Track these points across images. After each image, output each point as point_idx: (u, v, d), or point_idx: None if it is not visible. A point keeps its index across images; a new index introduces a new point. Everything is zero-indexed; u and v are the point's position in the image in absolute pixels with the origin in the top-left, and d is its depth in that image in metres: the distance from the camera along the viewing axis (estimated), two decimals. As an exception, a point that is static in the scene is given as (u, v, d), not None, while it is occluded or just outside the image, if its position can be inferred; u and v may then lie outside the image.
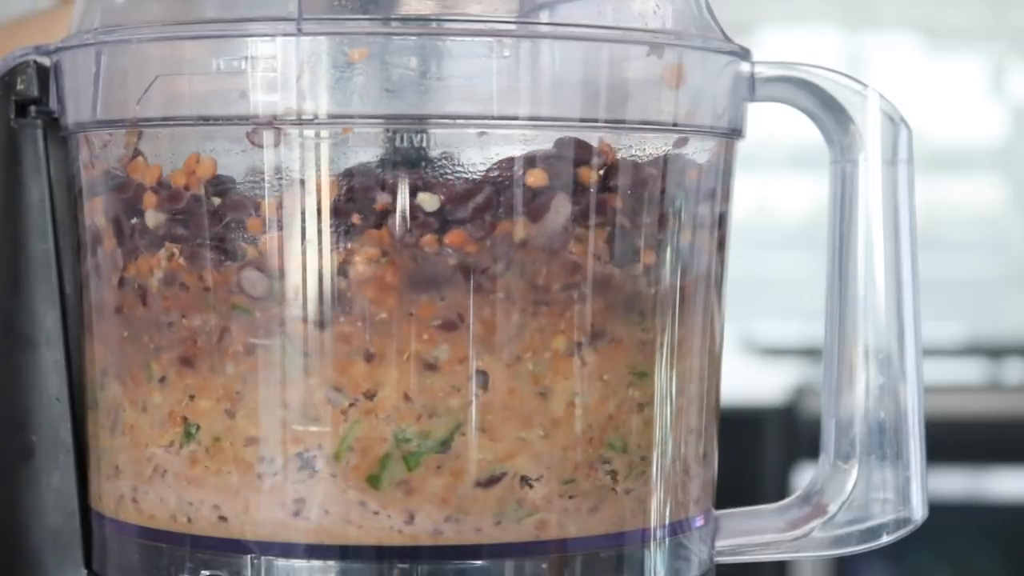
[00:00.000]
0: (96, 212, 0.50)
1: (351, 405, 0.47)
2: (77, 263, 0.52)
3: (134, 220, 0.49)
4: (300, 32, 0.47)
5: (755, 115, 0.54)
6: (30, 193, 0.52)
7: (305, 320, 0.47)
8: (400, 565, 0.47)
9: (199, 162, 0.47)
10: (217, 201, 0.47)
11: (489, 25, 0.47)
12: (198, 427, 0.48)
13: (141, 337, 0.49)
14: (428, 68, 0.46)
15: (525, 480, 0.47)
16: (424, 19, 0.47)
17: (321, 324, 0.47)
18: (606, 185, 0.48)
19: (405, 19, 0.47)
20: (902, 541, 0.54)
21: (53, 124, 0.52)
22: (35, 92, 0.52)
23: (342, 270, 0.46)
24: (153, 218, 0.48)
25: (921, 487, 0.53)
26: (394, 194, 0.46)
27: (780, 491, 1.58)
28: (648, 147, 0.49)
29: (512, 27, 0.47)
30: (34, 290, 0.52)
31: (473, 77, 0.47)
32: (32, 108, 0.52)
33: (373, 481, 0.47)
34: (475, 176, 0.46)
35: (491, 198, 0.46)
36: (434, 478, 0.47)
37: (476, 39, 0.47)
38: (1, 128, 0.52)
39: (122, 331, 0.50)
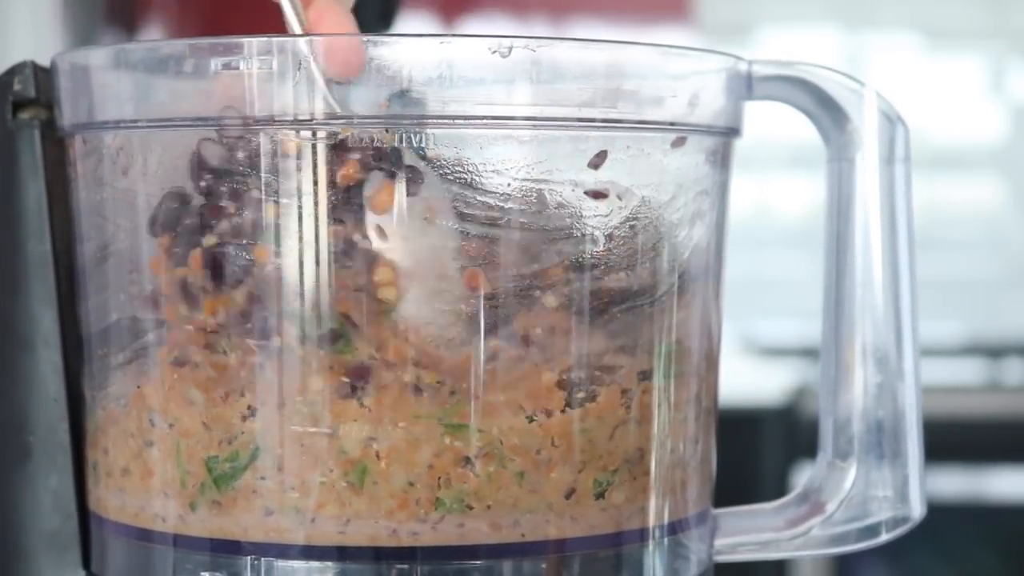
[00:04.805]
0: (92, 213, 0.50)
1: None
2: (74, 264, 0.52)
3: (130, 220, 0.49)
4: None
5: (754, 115, 0.54)
6: (27, 194, 0.52)
7: (303, 328, 0.47)
8: (399, 565, 0.47)
9: (196, 161, 0.47)
10: (213, 201, 0.47)
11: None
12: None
13: (136, 338, 0.49)
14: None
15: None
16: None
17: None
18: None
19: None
20: (902, 541, 0.54)
21: (50, 125, 0.52)
22: (32, 93, 0.52)
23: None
24: (148, 218, 0.48)
25: (919, 485, 0.53)
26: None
27: (779, 491, 1.58)
28: (646, 146, 0.49)
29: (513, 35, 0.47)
30: (31, 291, 0.52)
31: (473, 78, 0.47)
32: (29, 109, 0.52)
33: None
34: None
35: None
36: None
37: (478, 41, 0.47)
38: (-2, 129, 0.52)
39: (119, 333, 0.50)
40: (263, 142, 0.47)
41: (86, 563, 0.52)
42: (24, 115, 0.52)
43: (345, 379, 0.46)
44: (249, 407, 0.47)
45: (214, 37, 0.48)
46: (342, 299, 0.46)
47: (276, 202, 0.47)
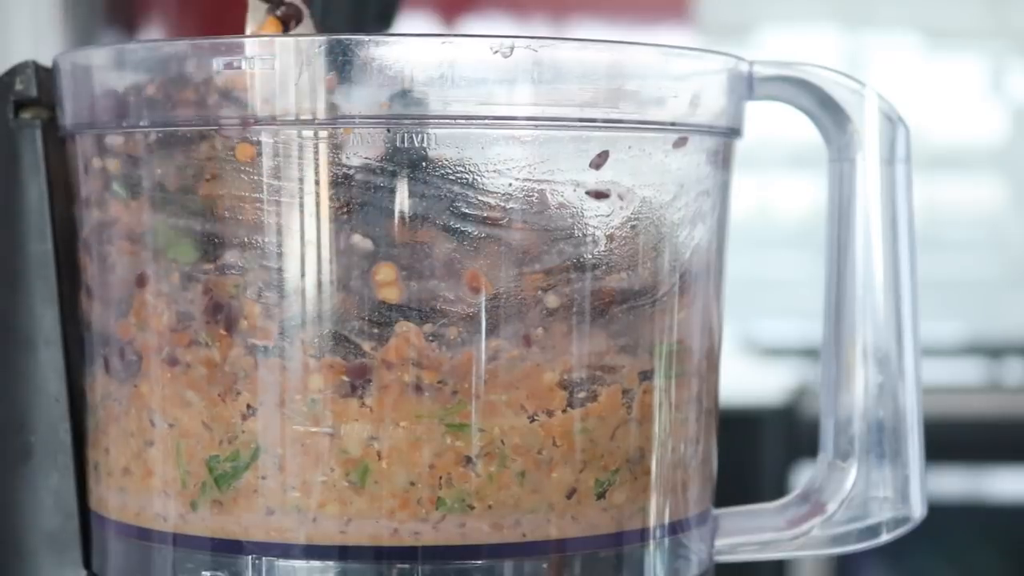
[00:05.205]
0: (94, 212, 0.50)
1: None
2: (75, 264, 0.52)
3: (130, 220, 0.49)
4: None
5: (755, 115, 0.54)
6: (29, 193, 0.52)
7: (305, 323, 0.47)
8: (400, 565, 0.47)
9: (194, 162, 0.47)
10: (214, 202, 0.47)
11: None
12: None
13: (135, 336, 0.49)
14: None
15: None
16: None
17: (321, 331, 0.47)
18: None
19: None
20: (902, 541, 0.54)
21: (52, 125, 0.52)
22: (34, 92, 0.52)
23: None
24: (149, 216, 0.48)
25: (920, 485, 0.53)
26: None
27: (780, 491, 1.57)
28: (647, 147, 0.49)
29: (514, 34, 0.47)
30: (33, 290, 0.52)
31: (474, 78, 0.47)
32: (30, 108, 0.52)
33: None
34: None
35: None
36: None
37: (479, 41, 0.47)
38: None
39: (118, 331, 0.50)
40: (264, 141, 0.47)
41: (87, 562, 0.52)
42: (26, 115, 0.52)
43: (346, 378, 0.47)
44: (249, 406, 0.47)
45: (215, 37, 0.48)
46: (342, 300, 0.46)
47: (277, 201, 0.47)
